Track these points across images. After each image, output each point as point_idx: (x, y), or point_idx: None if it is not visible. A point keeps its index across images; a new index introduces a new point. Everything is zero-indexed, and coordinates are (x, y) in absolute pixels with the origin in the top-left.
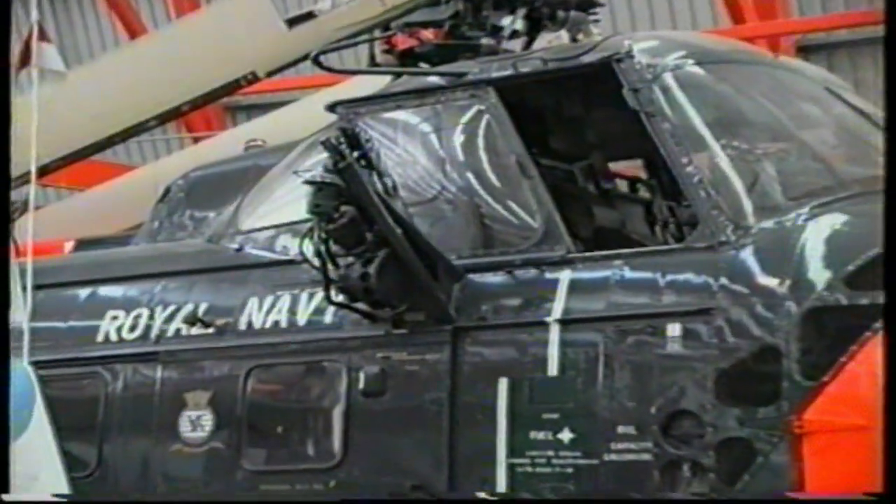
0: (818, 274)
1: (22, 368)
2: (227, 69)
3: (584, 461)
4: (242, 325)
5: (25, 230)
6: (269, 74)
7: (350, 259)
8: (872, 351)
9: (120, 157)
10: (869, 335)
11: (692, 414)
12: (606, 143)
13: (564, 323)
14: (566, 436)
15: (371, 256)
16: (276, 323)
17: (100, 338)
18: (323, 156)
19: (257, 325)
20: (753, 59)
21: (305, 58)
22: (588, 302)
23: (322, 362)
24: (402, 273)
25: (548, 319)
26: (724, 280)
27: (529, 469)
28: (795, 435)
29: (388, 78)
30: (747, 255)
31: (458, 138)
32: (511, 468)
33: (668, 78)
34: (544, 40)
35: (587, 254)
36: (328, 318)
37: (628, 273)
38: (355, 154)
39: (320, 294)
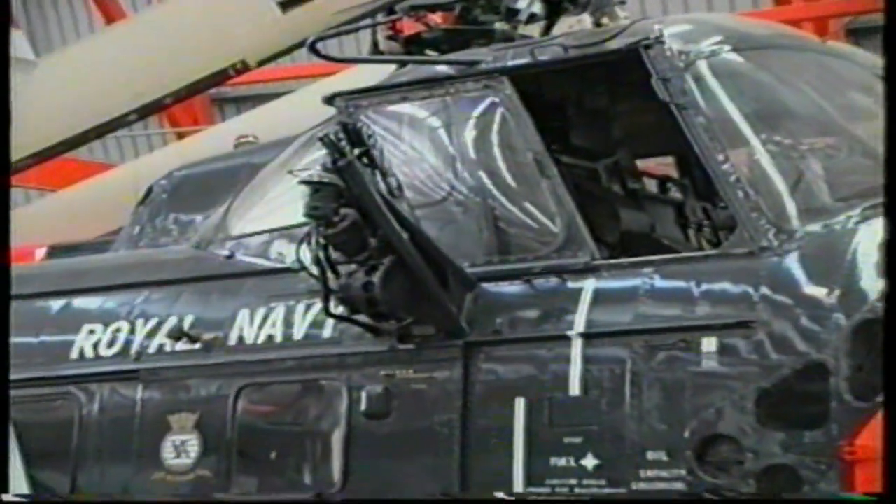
0: (870, 283)
1: None
2: (215, 57)
3: (610, 490)
4: (233, 340)
5: None
6: (261, 63)
7: (351, 267)
8: None
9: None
10: None
11: (730, 438)
12: (633, 138)
13: (588, 337)
14: (590, 462)
15: (374, 264)
16: (270, 337)
17: (74, 354)
18: (321, 153)
19: (249, 339)
20: (798, 45)
21: (301, 44)
22: (614, 314)
23: (320, 381)
24: (408, 282)
25: (570, 333)
26: (765, 290)
27: (549, 499)
28: (846, 462)
29: (392, 67)
30: (791, 262)
31: (470, 133)
32: None
33: (703, 66)
34: (565, 25)
35: (613, 261)
36: (327, 331)
37: (659, 282)
38: (356, 151)
39: (319, 305)
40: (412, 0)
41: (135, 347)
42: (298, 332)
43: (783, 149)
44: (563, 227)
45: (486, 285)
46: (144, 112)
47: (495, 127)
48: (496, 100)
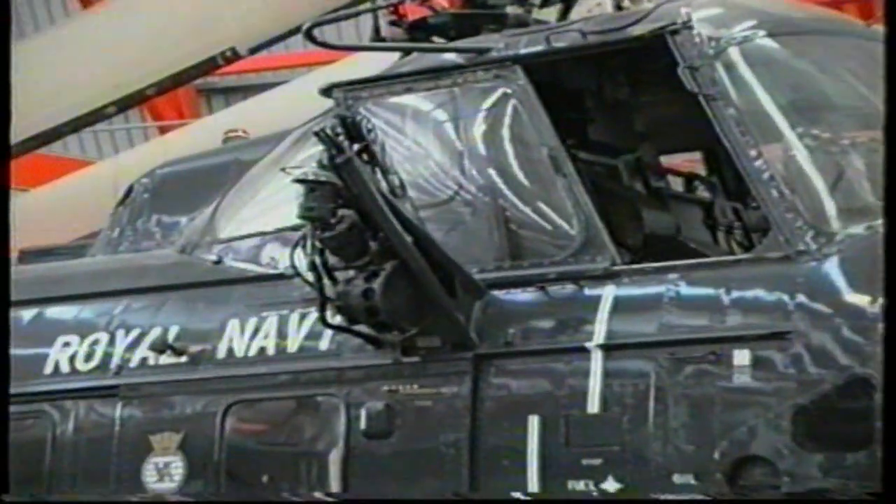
0: None
1: None
2: (202, 44)
3: None
4: (221, 353)
5: None
6: (253, 51)
7: (350, 273)
8: None
9: (71, 151)
10: None
11: (764, 460)
12: (658, 132)
13: (608, 349)
14: (611, 486)
15: (375, 270)
16: (262, 350)
17: (48, 369)
18: (317, 149)
19: (239, 352)
20: (839, 29)
21: (296, 31)
22: (636, 324)
23: (316, 397)
24: (412, 289)
25: (588, 345)
26: (802, 297)
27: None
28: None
29: (394, 55)
30: (831, 268)
31: (480, 127)
32: None
33: (735, 53)
34: (584, 8)
35: (635, 266)
36: (324, 343)
37: (685, 289)
38: (356, 147)
39: (314, 315)
40: None
41: (114, 361)
42: (293, 345)
43: (822, 143)
44: (580, 230)
45: (496, 293)
46: (125, 104)
47: (507, 120)
48: (508, 91)
